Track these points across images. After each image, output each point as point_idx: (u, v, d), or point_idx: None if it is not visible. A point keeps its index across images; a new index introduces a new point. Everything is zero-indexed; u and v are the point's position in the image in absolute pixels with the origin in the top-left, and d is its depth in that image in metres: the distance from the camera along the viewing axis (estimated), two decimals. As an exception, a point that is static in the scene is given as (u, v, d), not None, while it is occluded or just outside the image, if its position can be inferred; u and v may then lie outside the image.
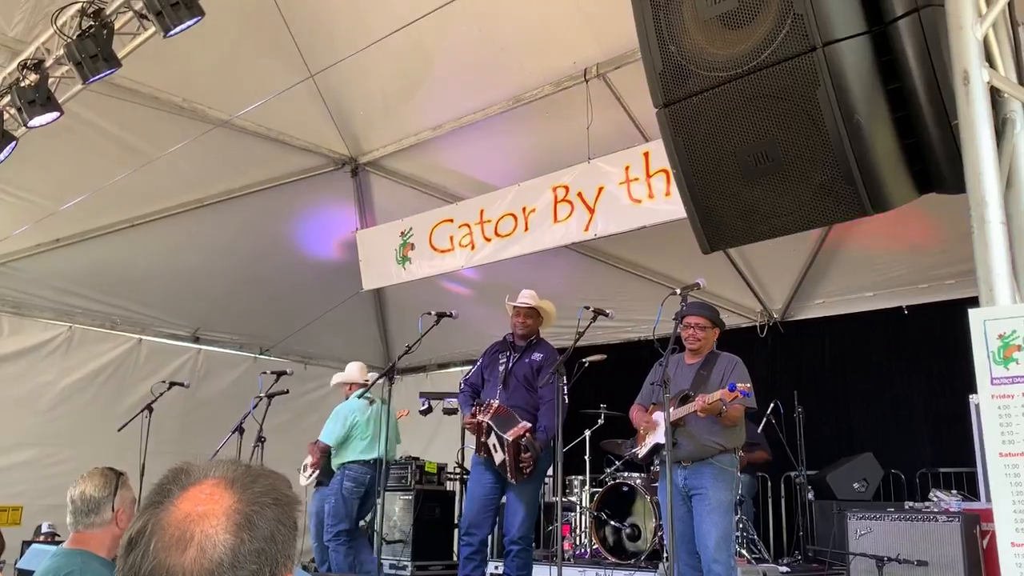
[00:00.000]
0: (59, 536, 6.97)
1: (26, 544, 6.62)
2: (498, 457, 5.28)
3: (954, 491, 5.97)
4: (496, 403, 5.39)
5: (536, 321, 5.66)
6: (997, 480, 1.94)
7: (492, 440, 5.30)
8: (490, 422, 5.29)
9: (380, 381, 5.96)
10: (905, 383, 7.25)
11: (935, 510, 5.24)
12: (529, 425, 5.25)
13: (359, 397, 6.35)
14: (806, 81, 2.28)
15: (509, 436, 5.17)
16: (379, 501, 6.02)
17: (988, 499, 5.67)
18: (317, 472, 6.83)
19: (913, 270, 7.05)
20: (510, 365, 5.55)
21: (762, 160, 2.42)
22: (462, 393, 5.80)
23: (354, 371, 7.06)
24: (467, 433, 6.54)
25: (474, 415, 5.45)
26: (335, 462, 6.60)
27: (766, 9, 2.34)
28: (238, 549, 0.98)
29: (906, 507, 5.52)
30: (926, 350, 7.09)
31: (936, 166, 2.28)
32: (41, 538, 7.03)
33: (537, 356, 5.54)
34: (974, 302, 2.06)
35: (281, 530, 1.03)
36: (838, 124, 2.25)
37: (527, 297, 5.67)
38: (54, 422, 7.97)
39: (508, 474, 5.25)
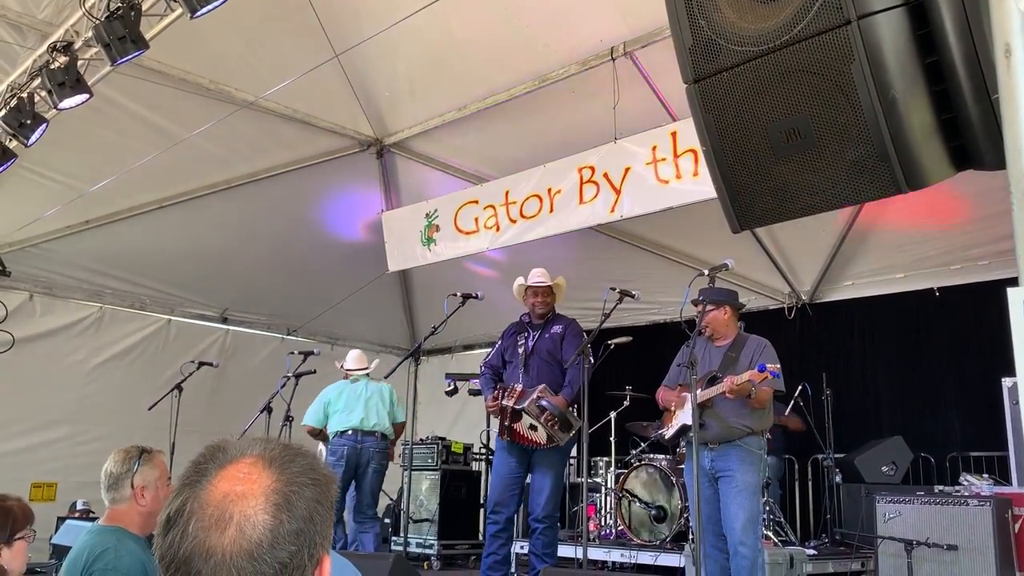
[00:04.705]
0: (94, 513, 7.10)
1: (61, 520, 6.75)
2: (540, 436, 5.25)
3: (985, 475, 5.91)
4: (520, 387, 5.38)
5: (553, 298, 5.63)
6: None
7: (526, 422, 5.28)
8: (515, 406, 5.28)
9: (405, 361, 6.04)
10: (936, 366, 7.16)
11: (965, 494, 5.18)
12: (543, 386, 5.25)
13: (353, 382, 6.83)
14: (840, 56, 2.22)
15: (527, 404, 5.19)
16: (406, 480, 6.06)
17: (1020, 483, 5.61)
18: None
19: (945, 251, 6.94)
20: (530, 346, 5.52)
21: (794, 137, 2.37)
22: (483, 375, 5.77)
23: (352, 360, 7.24)
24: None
25: (496, 398, 5.44)
26: None
27: (799, -18, 2.28)
28: (277, 530, 0.98)
29: (936, 491, 5.46)
30: (957, 332, 6.99)
31: (975, 142, 2.22)
32: (76, 514, 7.17)
33: (557, 328, 5.52)
34: (1008, 283, 2.00)
35: (319, 510, 1.03)
36: (872, 100, 2.19)
37: (542, 276, 5.60)
38: (86, 400, 8.10)
39: (554, 440, 5.21)
